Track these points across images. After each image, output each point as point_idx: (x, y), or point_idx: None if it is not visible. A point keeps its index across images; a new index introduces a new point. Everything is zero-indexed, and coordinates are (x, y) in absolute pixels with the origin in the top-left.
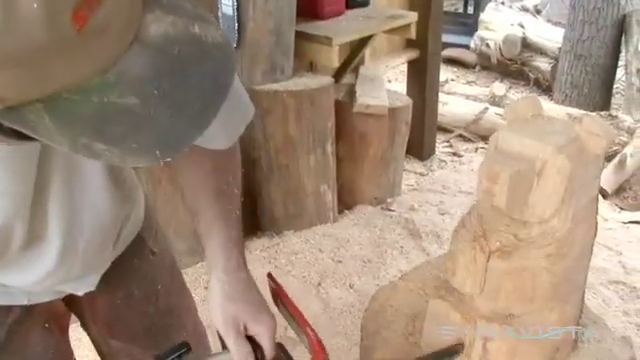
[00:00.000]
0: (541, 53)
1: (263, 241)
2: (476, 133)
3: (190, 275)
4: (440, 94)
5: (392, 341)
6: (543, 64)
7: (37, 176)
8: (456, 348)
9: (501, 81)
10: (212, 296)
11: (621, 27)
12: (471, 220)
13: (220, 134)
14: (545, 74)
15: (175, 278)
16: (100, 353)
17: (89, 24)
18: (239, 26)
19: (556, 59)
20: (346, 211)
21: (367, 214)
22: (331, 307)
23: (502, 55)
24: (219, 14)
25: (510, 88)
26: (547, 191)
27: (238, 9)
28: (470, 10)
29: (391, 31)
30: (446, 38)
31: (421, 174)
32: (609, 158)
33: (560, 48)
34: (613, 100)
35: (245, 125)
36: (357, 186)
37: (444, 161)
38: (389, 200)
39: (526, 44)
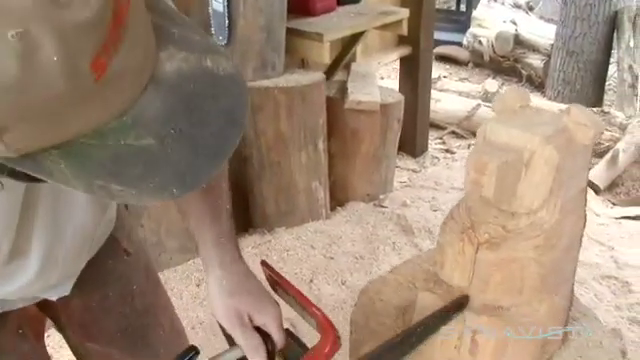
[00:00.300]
0: (533, 50)
1: (255, 238)
2: (469, 130)
3: (181, 272)
4: (433, 91)
5: (381, 334)
6: (535, 61)
7: (25, 197)
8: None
9: (494, 78)
10: (212, 294)
11: (613, 23)
12: (459, 212)
13: None
14: (537, 71)
15: (150, 277)
16: (77, 355)
17: (107, 72)
18: (229, 23)
19: (548, 56)
20: (338, 208)
21: (359, 211)
22: (323, 303)
23: (495, 52)
24: (209, 10)
25: (503, 85)
26: (535, 182)
27: (228, 6)
28: (463, 7)
29: (383, 27)
30: (439, 35)
31: (414, 171)
32: (601, 154)
33: (552, 45)
34: (605, 96)
35: None
36: (349, 183)
37: (437, 158)
38: (381, 197)
39: (518, 41)
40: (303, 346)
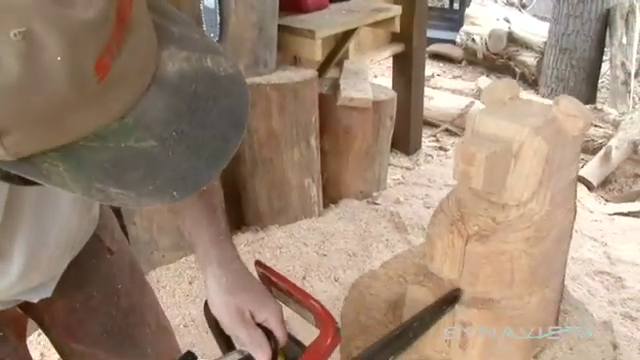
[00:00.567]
0: (527, 47)
1: (247, 236)
2: (462, 127)
3: (173, 270)
4: (426, 89)
5: (372, 328)
6: (529, 58)
7: (9, 197)
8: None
9: (487, 76)
10: (211, 293)
11: (605, 21)
12: (449, 204)
13: None
14: (531, 68)
15: (135, 276)
16: (63, 356)
17: (110, 73)
18: (221, 20)
19: (542, 53)
20: (331, 205)
21: (352, 208)
22: None
23: (488, 50)
24: (201, 7)
25: None
26: (524, 173)
27: (220, 2)
28: (456, 5)
29: (375, 24)
30: (432, 34)
31: (407, 168)
32: (594, 151)
33: (545, 42)
34: (599, 94)
35: None
36: (342, 180)
37: (430, 155)
38: (375, 194)
39: (512, 39)
40: (300, 344)
